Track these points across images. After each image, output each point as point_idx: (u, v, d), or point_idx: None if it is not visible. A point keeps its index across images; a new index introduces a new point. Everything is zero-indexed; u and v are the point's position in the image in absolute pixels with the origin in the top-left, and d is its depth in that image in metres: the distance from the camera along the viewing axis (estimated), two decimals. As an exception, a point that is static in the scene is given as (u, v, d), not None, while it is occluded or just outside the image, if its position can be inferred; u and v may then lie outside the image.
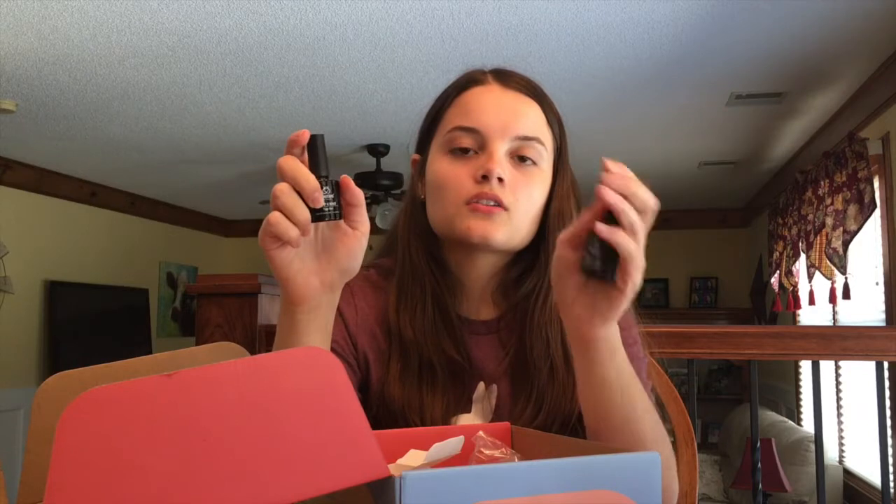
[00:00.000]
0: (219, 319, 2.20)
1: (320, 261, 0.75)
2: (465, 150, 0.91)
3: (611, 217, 0.68)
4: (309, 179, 0.68)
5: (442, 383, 0.93)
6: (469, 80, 0.96)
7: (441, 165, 0.93)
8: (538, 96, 0.96)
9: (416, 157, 1.01)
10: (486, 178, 0.88)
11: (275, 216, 0.69)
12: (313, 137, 0.72)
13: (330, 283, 0.75)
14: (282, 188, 0.68)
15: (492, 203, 0.88)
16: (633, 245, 0.68)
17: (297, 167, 0.69)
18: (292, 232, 0.69)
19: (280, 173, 0.69)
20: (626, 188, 0.68)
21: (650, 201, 0.69)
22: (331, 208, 0.71)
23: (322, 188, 0.69)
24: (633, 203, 0.68)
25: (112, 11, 2.48)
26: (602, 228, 0.67)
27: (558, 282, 0.74)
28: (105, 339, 5.17)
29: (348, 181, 0.72)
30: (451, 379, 0.94)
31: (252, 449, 0.50)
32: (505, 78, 0.96)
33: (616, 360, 0.76)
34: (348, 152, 4.35)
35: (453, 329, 0.95)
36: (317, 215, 0.70)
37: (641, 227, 0.68)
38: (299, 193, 0.69)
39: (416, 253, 0.97)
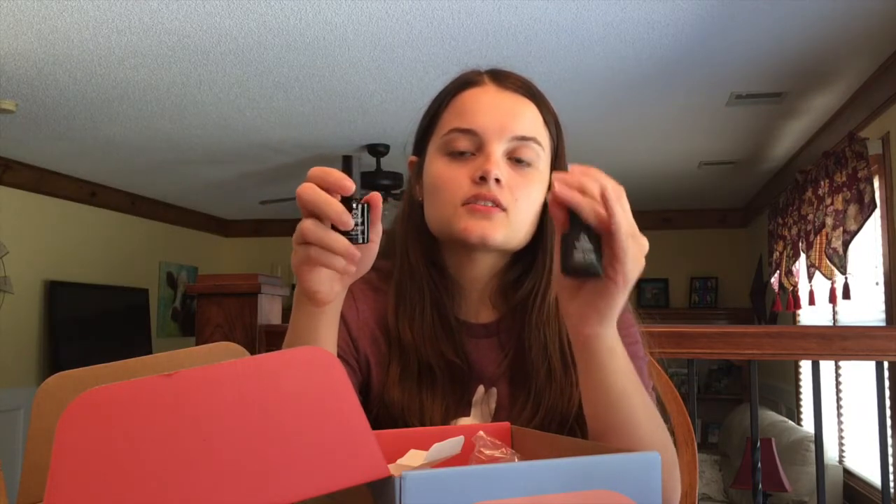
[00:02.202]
0: (219, 319, 2.20)
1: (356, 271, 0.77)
2: (462, 152, 0.91)
3: (574, 218, 0.68)
4: (331, 204, 0.68)
5: (441, 386, 0.93)
6: (465, 82, 0.96)
7: (438, 167, 0.92)
8: (534, 96, 0.95)
9: (414, 159, 1.00)
10: (483, 179, 0.88)
11: (315, 251, 0.70)
12: (346, 158, 0.72)
13: (348, 283, 0.78)
14: (307, 225, 0.69)
15: (489, 204, 0.88)
16: (621, 220, 0.67)
17: (317, 195, 0.69)
18: (338, 263, 0.71)
19: (301, 203, 0.69)
20: (578, 183, 0.68)
21: (609, 185, 0.68)
22: (358, 232, 0.71)
23: (352, 211, 0.70)
24: (591, 191, 0.67)
25: (112, 11, 2.48)
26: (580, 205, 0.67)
27: (557, 288, 0.76)
28: (105, 339, 5.17)
29: (377, 202, 0.72)
30: (451, 382, 0.94)
31: (252, 449, 0.50)
32: (501, 78, 0.95)
33: (615, 361, 0.76)
34: (348, 152, 4.35)
35: (451, 332, 0.95)
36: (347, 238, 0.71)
37: (619, 209, 0.67)
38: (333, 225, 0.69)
39: (415, 255, 0.97)
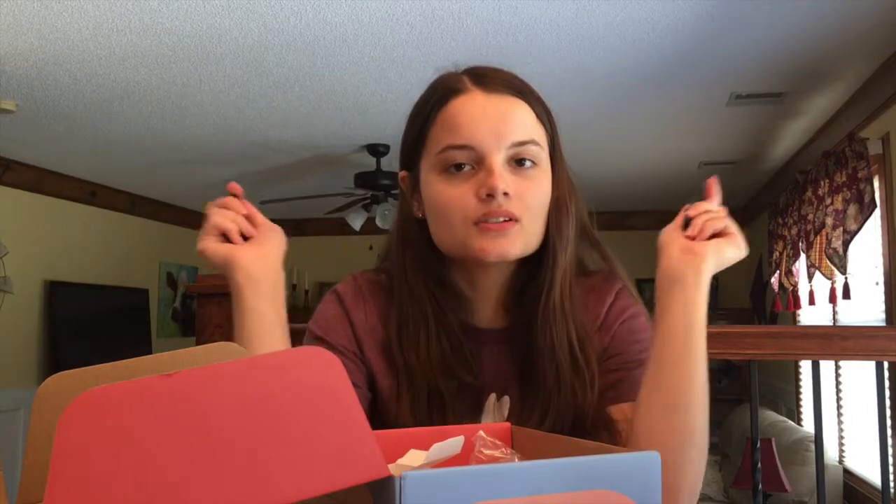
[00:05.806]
0: (219, 319, 2.20)
1: (259, 242, 0.90)
2: (460, 167, 0.88)
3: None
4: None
5: (451, 406, 0.92)
6: (448, 91, 0.91)
7: (439, 188, 0.89)
8: (522, 93, 0.91)
9: (405, 174, 0.97)
10: (490, 196, 0.85)
11: (222, 224, 0.93)
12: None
13: (274, 256, 0.89)
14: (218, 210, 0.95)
15: (502, 219, 0.86)
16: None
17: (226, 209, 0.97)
18: (238, 224, 0.92)
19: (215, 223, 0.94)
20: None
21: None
22: None
23: None
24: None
25: (112, 11, 2.48)
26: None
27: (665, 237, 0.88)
28: (105, 339, 5.16)
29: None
30: (462, 399, 0.93)
31: (252, 449, 0.50)
32: (485, 81, 0.91)
33: (688, 316, 0.84)
34: (348, 152, 4.35)
35: (462, 352, 0.93)
36: None
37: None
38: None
39: (414, 277, 0.94)
